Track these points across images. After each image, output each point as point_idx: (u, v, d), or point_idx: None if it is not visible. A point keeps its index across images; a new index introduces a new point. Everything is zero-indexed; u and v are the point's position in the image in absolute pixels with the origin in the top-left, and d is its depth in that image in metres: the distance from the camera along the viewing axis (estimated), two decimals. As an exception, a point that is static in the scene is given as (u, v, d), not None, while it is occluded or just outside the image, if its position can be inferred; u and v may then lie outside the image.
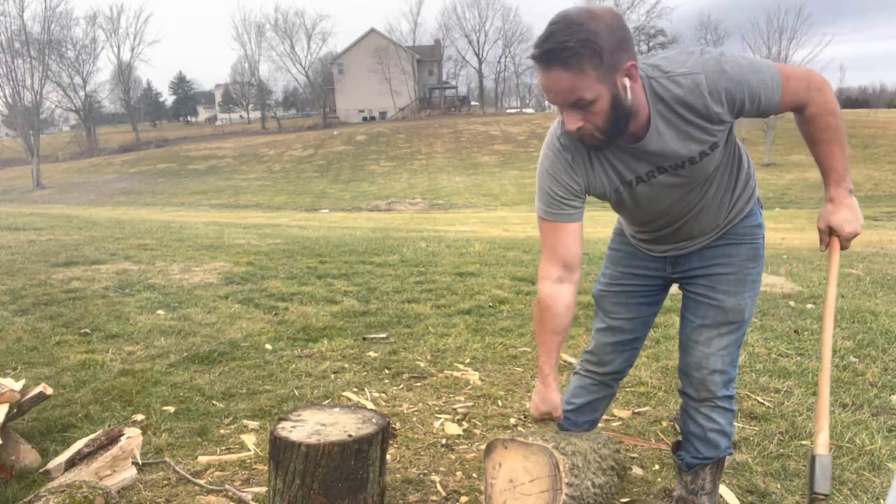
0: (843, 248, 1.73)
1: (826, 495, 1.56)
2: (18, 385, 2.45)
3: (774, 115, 1.68)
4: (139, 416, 2.90)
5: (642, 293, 1.99)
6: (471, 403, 3.07)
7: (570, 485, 1.67)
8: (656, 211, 1.79)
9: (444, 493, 2.28)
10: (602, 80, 1.46)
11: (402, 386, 3.32)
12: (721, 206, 1.80)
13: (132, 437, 2.40)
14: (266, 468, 2.34)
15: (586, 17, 1.43)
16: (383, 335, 4.12)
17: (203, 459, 2.51)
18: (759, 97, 1.56)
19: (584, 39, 1.41)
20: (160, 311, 4.67)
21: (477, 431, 2.79)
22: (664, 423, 2.82)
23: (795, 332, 4.01)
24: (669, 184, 1.71)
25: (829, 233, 1.73)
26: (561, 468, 1.68)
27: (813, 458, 1.60)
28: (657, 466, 2.45)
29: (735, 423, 2.00)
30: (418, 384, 3.33)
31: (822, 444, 1.63)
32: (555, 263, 1.73)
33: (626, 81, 1.49)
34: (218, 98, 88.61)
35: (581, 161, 1.68)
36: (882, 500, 2.17)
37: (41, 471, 2.32)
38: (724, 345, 1.88)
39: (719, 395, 1.91)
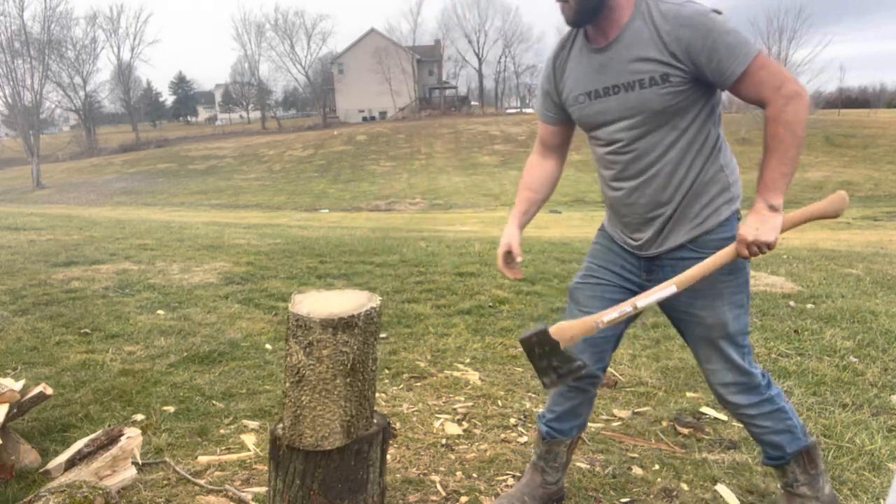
0: (749, 254, 1.68)
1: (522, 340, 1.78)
2: (18, 385, 2.45)
3: (738, 96, 1.68)
4: (139, 416, 2.90)
5: (617, 289, 1.96)
6: (471, 403, 3.07)
7: None
8: (611, 145, 1.84)
9: (444, 493, 2.28)
10: None
11: (402, 386, 3.32)
12: (677, 180, 1.79)
13: (132, 437, 2.40)
14: (266, 468, 2.34)
15: None
16: (383, 335, 4.12)
17: (203, 459, 2.51)
18: (720, 58, 1.62)
19: None
20: (160, 311, 4.67)
21: (477, 431, 2.79)
22: (664, 424, 2.82)
23: (795, 331, 4.01)
24: (621, 110, 1.77)
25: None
26: None
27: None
28: (657, 466, 2.45)
29: (790, 417, 1.94)
30: (418, 384, 3.33)
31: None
32: (540, 144, 2.10)
33: None
34: (218, 98, 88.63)
35: (560, 65, 1.91)
36: (882, 500, 2.17)
37: (41, 471, 2.32)
38: (722, 358, 1.88)
39: (744, 405, 1.91)
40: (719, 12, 1.66)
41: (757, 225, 1.66)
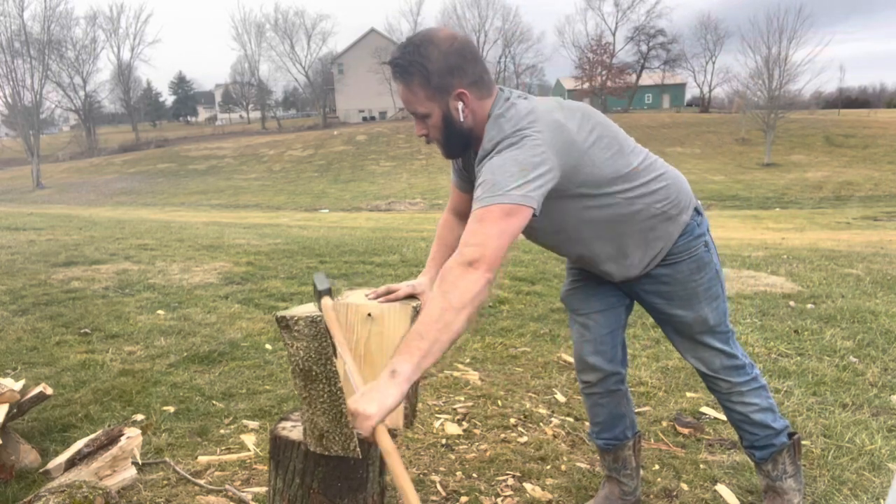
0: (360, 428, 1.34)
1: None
2: (18, 385, 2.45)
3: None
4: (139, 416, 2.90)
5: (605, 282, 1.98)
6: (471, 403, 3.07)
7: None
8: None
9: (444, 493, 2.28)
10: (432, 99, 1.60)
11: (402, 386, 3.31)
12: (606, 243, 1.79)
13: (132, 437, 2.40)
14: (266, 468, 2.34)
15: (423, 40, 1.57)
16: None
17: (203, 459, 2.51)
18: (479, 182, 1.54)
19: (412, 60, 1.56)
20: (160, 311, 4.67)
21: (477, 431, 2.79)
22: (664, 423, 2.82)
23: (795, 332, 4.01)
24: None
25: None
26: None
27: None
28: (657, 466, 2.45)
29: (769, 395, 2.01)
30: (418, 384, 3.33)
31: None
32: (454, 207, 2.00)
33: (459, 105, 1.61)
34: (218, 98, 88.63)
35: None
36: (882, 500, 2.17)
37: (41, 471, 2.32)
38: (708, 347, 1.92)
39: (737, 383, 1.94)
40: (524, 129, 1.54)
41: (365, 391, 1.35)
